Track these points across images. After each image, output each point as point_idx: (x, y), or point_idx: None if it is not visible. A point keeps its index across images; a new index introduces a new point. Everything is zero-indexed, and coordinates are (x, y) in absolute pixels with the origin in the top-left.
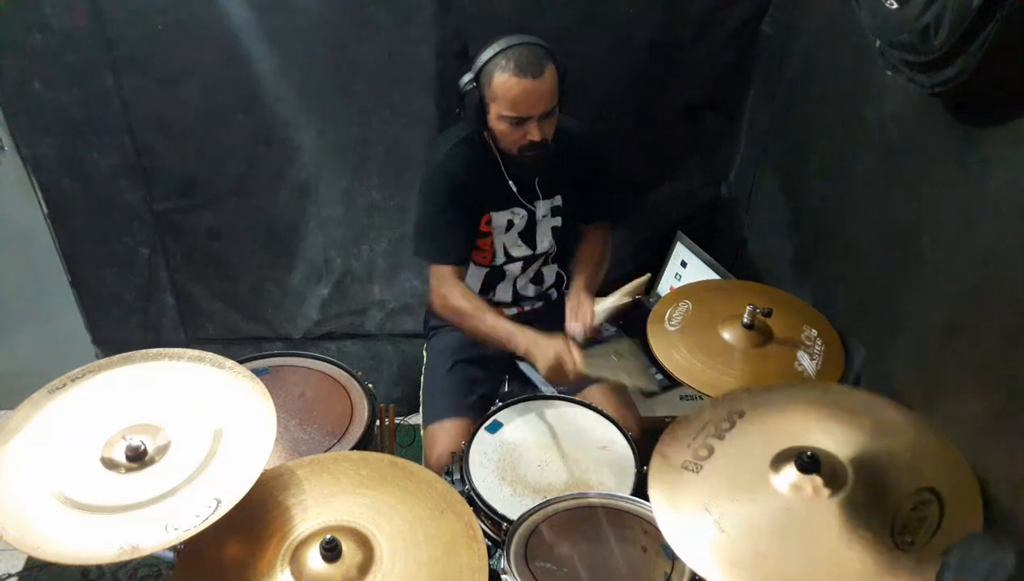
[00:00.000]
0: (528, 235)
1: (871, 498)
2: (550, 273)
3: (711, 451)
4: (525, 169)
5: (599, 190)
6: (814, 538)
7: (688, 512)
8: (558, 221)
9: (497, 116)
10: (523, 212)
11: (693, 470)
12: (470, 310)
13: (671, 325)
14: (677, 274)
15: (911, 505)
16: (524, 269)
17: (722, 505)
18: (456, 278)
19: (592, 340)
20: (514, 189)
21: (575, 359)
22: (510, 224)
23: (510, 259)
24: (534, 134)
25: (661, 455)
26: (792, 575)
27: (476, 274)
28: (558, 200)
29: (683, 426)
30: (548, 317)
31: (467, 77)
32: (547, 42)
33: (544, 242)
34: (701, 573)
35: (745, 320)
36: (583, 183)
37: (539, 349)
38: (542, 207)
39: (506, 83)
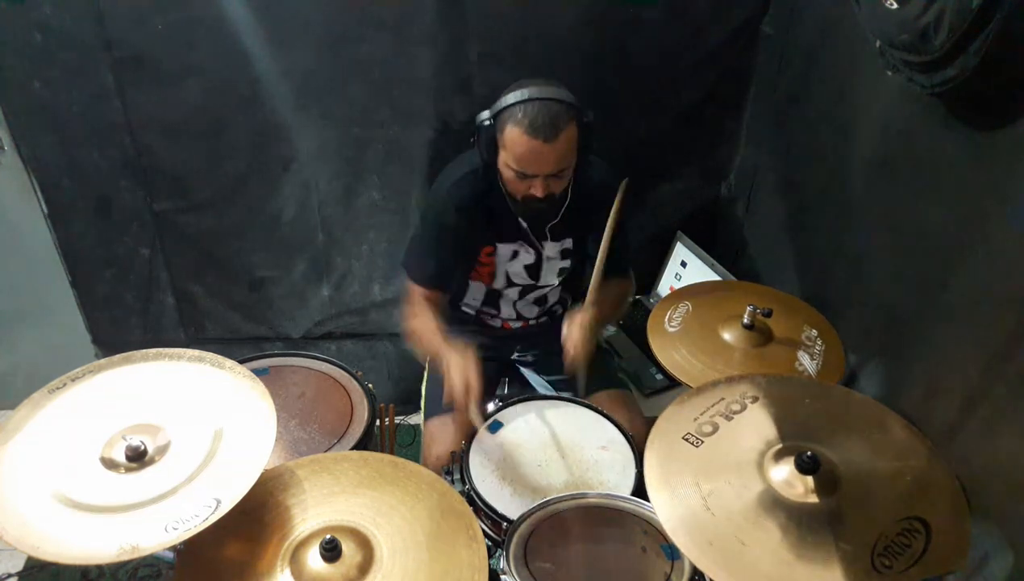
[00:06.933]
0: (533, 270)
1: (860, 513)
2: (553, 296)
3: (715, 428)
4: (533, 214)
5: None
6: (796, 539)
7: (678, 483)
8: (567, 263)
9: (504, 163)
10: (530, 248)
11: (693, 443)
12: (419, 331)
13: (671, 326)
14: (677, 274)
15: (898, 530)
16: (522, 295)
17: (713, 483)
18: (424, 300)
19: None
20: (524, 226)
21: (474, 391)
22: (515, 254)
23: (511, 284)
24: (537, 190)
25: (666, 420)
26: (765, 570)
27: (477, 289)
28: (568, 243)
29: (695, 398)
30: (552, 330)
31: (485, 114)
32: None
33: (548, 278)
34: (678, 544)
35: (745, 320)
36: (597, 228)
37: (448, 373)
38: (550, 249)
39: (517, 138)
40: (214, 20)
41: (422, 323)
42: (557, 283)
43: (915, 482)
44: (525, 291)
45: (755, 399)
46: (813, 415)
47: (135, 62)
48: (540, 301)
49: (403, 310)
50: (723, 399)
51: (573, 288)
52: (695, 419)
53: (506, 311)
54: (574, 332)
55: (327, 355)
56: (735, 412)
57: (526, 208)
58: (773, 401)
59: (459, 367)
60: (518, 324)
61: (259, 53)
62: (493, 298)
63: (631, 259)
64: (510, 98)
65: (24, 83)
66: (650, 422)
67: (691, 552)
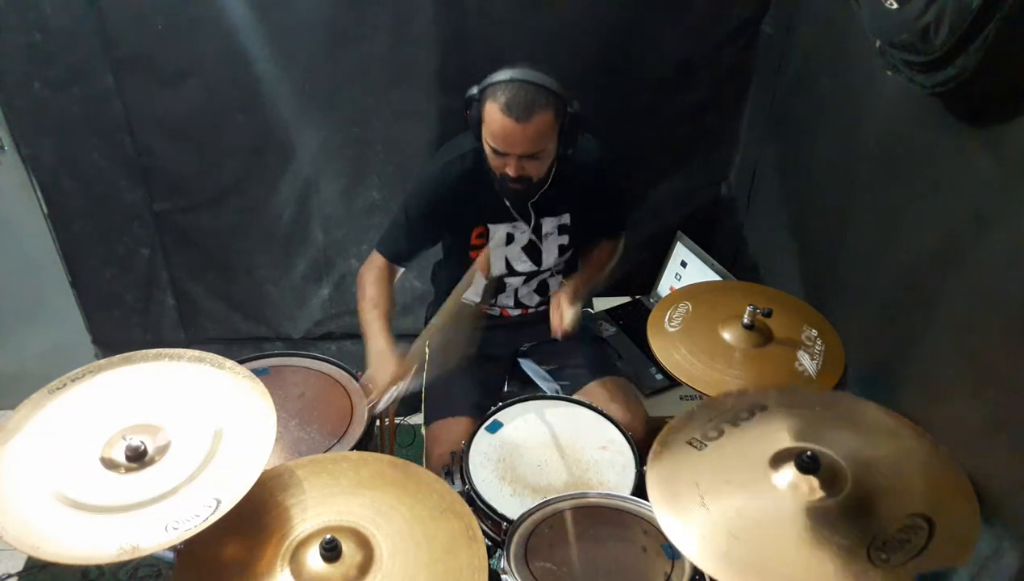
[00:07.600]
0: (532, 250)
1: (863, 510)
2: (555, 283)
3: (721, 434)
4: (511, 193)
5: (607, 211)
6: (789, 534)
7: (679, 482)
8: (565, 239)
9: (484, 138)
10: (524, 226)
11: (697, 447)
12: (368, 296)
13: (671, 326)
14: (677, 274)
15: (899, 526)
16: (526, 282)
17: (713, 484)
18: (381, 269)
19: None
20: (507, 204)
21: (384, 388)
22: (510, 237)
23: (512, 273)
24: (511, 169)
25: (672, 428)
26: (756, 563)
27: (478, 283)
28: (566, 218)
29: (704, 410)
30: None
31: (475, 89)
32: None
33: (550, 259)
34: (670, 534)
35: (745, 320)
36: (588, 206)
37: (371, 364)
38: (548, 224)
39: (492, 114)
40: (214, 20)
41: (377, 298)
42: (556, 262)
43: (925, 482)
44: (529, 278)
45: (763, 408)
46: (823, 420)
47: (135, 62)
48: (541, 288)
49: (361, 269)
50: (731, 408)
51: (570, 274)
52: (701, 427)
53: (506, 300)
54: (563, 303)
55: (327, 355)
56: (743, 419)
57: (503, 186)
58: (782, 409)
59: (386, 364)
60: (517, 312)
61: (259, 53)
62: (494, 290)
63: (625, 225)
64: (496, 76)
65: (24, 83)
66: (651, 419)
67: (684, 545)
